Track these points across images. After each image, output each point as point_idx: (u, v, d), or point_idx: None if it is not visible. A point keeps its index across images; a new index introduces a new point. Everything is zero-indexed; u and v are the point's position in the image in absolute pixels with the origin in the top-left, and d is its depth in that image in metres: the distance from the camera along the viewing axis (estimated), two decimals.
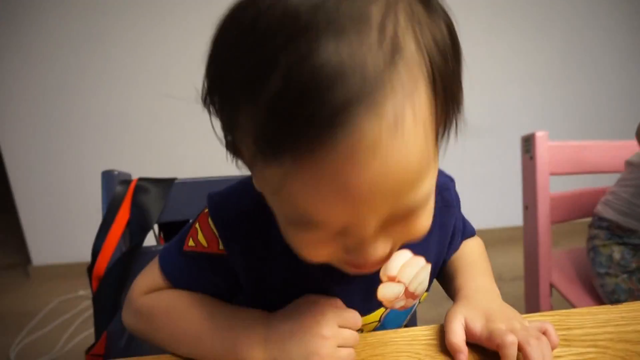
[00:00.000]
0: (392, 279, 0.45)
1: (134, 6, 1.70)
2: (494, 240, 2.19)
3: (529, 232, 1.00)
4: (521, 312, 0.43)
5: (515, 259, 1.74)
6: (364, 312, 0.44)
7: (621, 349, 0.41)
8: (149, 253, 0.72)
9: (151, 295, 0.44)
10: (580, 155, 1.03)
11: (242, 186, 0.42)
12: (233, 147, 0.34)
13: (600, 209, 0.96)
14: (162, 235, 0.81)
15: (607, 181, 1.09)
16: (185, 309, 0.42)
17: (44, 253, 1.95)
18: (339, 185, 0.28)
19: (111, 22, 1.71)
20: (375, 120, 0.27)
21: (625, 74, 2.12)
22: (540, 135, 0.96)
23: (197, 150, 1.87)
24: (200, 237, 0.43)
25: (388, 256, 0.34)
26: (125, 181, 0.72)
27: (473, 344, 0.41)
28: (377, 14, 0.27)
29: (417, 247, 0.46)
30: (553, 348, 0.38)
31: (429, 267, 0.48)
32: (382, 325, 0.48)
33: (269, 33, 0.27)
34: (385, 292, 0.45)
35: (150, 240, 0.75)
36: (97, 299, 0.65)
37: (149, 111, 1.83)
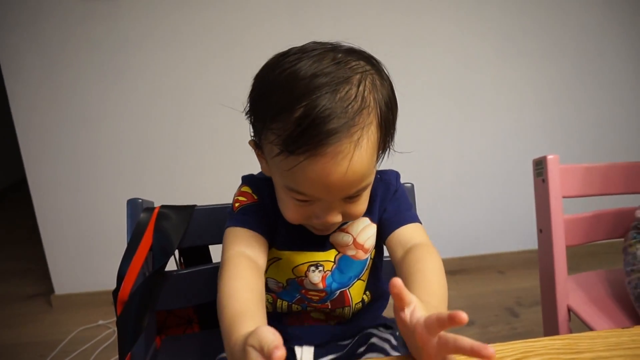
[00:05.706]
0: (342, 230, 0.63)
1: (153, 38, 1.79)
2: (513, 264, 2.16)
3: (544, 256, 1.00)
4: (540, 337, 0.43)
5: (535, 282, 1.70)
6: (318, 250, 0.62)
7: None
8: (171, 277, 0.75)
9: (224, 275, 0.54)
10: (592, 178, 1.03)
11: (256, 175, 0.67)
12: (257, 145, 0.56)
13: (638, 213, 0.97)
14: (182, 260, 0.84)
15: (624, 202, 1.08)
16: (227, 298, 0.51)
17: (66, 282, 1.99)
18: (324, 175, 0.47)
19: (132, 53, 1.78)
20: (349, 140, 0.47)
21: (635, 96, 2.13)
22: (551, 158, 0.97)
23: (216, 178, 1.92)
24: (241, 198, 0.63)
25: (338, 224, 0.56)
26: (149, 208, 0.75)
27: None
28: (356, 80, 0.48)
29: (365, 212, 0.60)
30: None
31: (374, 226, 0.64)
32: (339, 267, 0.63)
33: (292, 85, 0.47)
34: (336, 238, 0.63)
35: (171, 265, 0.78)
36: (121, 322, 0.67)
37: (169, 141, 1.89)
